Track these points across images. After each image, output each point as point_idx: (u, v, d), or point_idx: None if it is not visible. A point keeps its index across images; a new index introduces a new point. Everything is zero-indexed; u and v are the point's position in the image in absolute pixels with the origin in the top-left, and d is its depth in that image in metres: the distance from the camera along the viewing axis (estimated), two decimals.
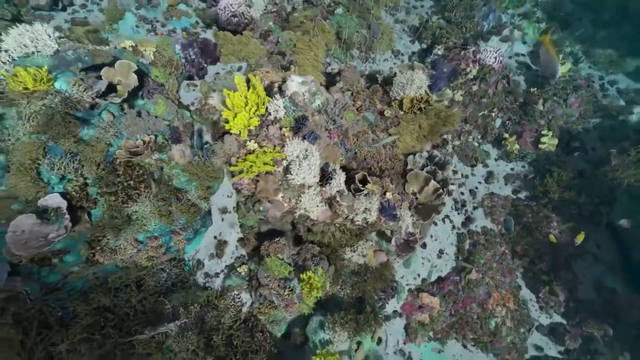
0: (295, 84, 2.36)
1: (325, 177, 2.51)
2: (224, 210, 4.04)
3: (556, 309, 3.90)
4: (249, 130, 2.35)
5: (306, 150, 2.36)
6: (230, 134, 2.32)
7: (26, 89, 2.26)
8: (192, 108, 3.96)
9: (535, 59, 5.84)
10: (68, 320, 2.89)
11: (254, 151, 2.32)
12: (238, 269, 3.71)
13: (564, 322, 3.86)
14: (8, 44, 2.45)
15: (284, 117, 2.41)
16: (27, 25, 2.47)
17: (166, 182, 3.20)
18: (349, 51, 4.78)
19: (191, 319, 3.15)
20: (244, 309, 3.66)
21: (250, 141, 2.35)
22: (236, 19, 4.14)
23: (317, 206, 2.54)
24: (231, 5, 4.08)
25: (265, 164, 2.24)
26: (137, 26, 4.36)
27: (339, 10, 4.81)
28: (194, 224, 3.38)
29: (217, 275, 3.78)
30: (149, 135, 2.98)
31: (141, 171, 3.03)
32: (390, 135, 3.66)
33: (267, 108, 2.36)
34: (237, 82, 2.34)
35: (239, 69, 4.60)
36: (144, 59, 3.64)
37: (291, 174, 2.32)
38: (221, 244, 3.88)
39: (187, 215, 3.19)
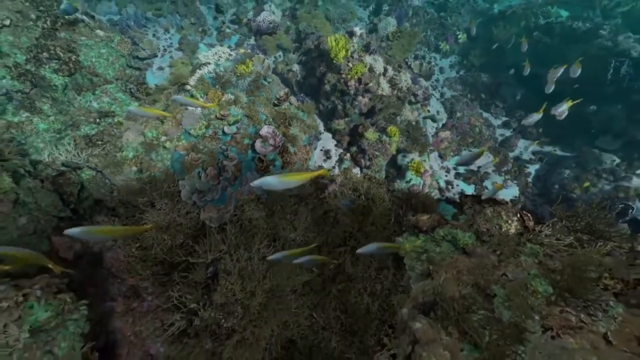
0: (358, 30, 4.90)
1: (385, 70, 5.15)
2: (319, 133, 6.41)
3: (501, 114, 7.18)
4: (346, 59, 4.86)
5: (374, 58, 4.96)
6: (342, 62, 4.79)
7: (242, 73, 4.40)
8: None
9: None
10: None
11: (353, 66, 4.84)
12: (344, 158, 6.14)
13: (507, 118, 7.15)
14: (209, 58, 4.48)
15: (357, 47, 4.96)
16: (217, 47, 4.54)
17: (294, 117, 5.47)
18: (337, 24, 7.39)
19: (343, 179, 5.51)
20: (358, 176, 6.09)
21: (349, 63, 4.85)
22: (272, 24, 6.39)
23: (385, 85, 5.17)
24: (266, 17, 6.32)
25: (362, 69, 4.78)
26: (208, 50, 6.30)
27: (320, 3, 7.37)
28: (318, 135, 5.69)
29: (333, 168, 6.18)
30: (284, 90, 5.20)
31: (282, 112, 5.28)
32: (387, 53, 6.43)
33: (350, 46, 4.89)
34: (332, 41, 4.80)
35: (279, 56, 6.90)
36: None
37: (374, 70, 4.89)
38: (327, 152, 6.25)
39: (314, 129, 5.52)
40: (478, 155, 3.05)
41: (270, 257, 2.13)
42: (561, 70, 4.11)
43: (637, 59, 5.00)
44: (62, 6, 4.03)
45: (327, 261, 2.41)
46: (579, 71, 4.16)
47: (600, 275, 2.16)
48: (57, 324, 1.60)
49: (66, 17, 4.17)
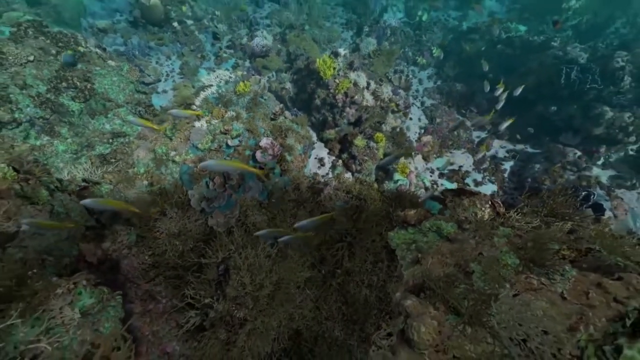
0: (342, 51, 5.37)
1: (368, 84, 5.60)
2: (312, 142, 6.77)
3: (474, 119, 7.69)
4: (333, 76, 5.30)
5: (358, 74, 5.41)
6: (329, 79, 5.22)
7: (242, 92, 4.77)
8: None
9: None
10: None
11: (339, 82, 5.27)
12: (337, 164, 6.49)
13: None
14: (211, 80, 4.84)
15: (342, 65, 5.41)
16: (218, 70, 4.92)
17: (290, 129, 5.84)
18: (323, 45, 7.94)
19: (337, 183, 5.83)
20: (350, 180, 6.42)
21: (335, 79, 5.28)
22: (265, 48, 6.87)
23: (369, 97, 5.61)
24: (259, 42, 6.80)
25: (347, 84, 5.21)
26: (208, 74, 6.70)
27: (307, 27, 7.92)
28: (312, 145, 6.04)
29: (327, 174, 6.50)
30: (279, 106, 5.57)
31: (279, 125, 5.65)
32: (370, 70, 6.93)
33: (336, 65, 5.34)
34: (321, 61, 5.25)
35: (272, 76, 7.35)
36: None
37: (358, 85, 5.33)
38: (320, 160, 6.60)
39: (308, 140, 5.88)
40: (398, 158, 3.51)
41: (257, 233, 2.46)
42: (500, 90, 5.01)
43: (584, 65, 5.58)
44: (64, 58, 4.36)
45: (309, 237, 2.72)
46: (505, 94, 5.12)
47: (559, 247, 2.50)
48: (100, 309, 1.84)
49: (69, 66, 4.45)
